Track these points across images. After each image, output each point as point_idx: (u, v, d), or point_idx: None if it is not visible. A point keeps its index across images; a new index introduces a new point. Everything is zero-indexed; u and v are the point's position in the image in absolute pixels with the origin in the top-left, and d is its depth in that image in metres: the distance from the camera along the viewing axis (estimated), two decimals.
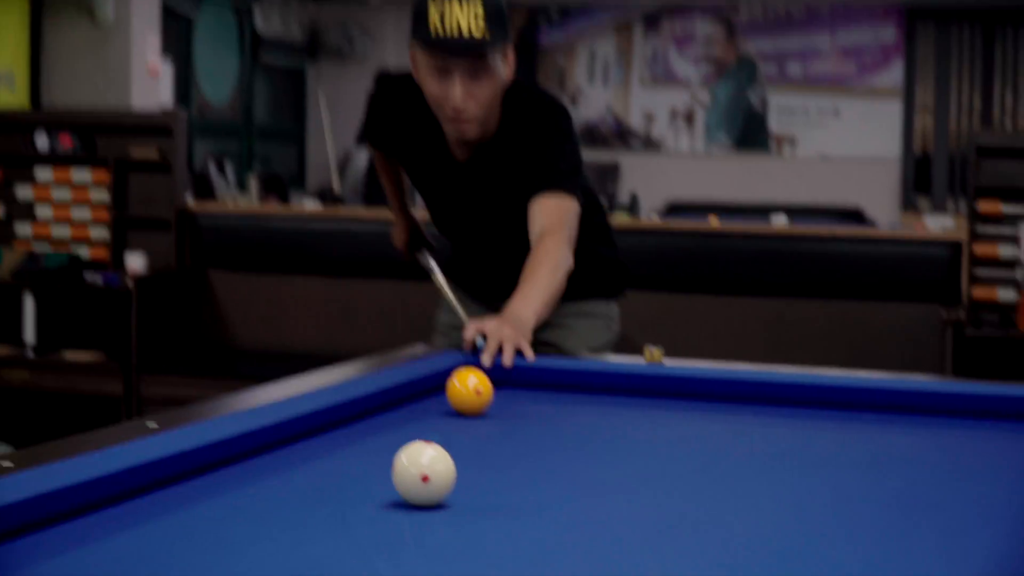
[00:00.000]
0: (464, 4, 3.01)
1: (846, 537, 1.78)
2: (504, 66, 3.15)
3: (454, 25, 3.01)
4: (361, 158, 9.88)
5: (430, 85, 3.13)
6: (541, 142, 3.20)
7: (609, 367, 2.94)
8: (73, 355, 6.70)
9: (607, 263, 3.61)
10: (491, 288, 3.49)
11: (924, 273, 6.11)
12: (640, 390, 2.83)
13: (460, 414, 2.51)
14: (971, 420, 2.63)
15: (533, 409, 2.66)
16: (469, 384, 2.50)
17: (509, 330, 2.81)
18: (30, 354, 6.73)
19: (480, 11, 3.01)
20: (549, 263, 3.02)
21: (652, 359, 2.89)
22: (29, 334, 6.79)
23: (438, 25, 3.01)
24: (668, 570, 1.62)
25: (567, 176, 3.18)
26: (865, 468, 2.23)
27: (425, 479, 1.83)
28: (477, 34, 3.02)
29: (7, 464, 1.78)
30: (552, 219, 3.10)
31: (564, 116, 3.29)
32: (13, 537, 1.64)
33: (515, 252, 3.18)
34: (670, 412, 2.68)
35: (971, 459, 2.34)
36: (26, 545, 1.62)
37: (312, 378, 2.58)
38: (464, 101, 3.09)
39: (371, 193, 9.79)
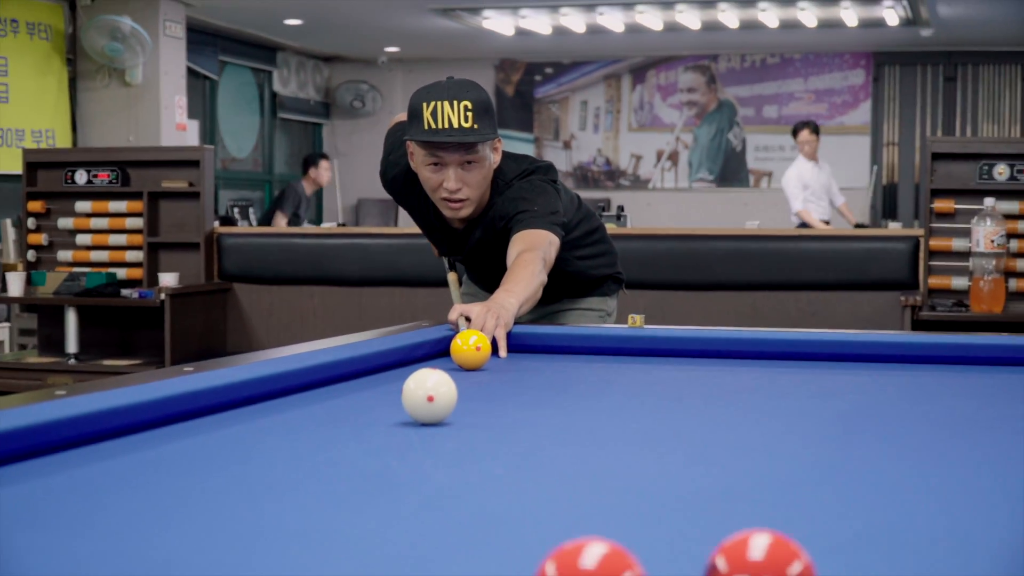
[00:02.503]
0: (454, 102, 3.12)
1: (795, 441, 1.89)
2: (493, 153, 3.27)
3: (446, 122, 3.12)
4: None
5: (426, 174, 3.25)
6: (520, 198, 3.28)
7: (595, 331, 3.04)
8: (112, 363, 6.83)
9: (603, 266, 3.68)
10: (493, 287, 3.59)
11: (887, 265, 6.24)
12: (624, 351, 2.93)
13: (463, 369, 2.61)
14: (913, 364, 2.74)
15: (527, 365, 2.76)
16: (470, 341, 2.61)
17: (492, 321, 2.83)
18: (72, 362, 6.86)
19: (470, 107, 3.13)
20: (528, 269, 3.06)
21: (635, 325, 3.00)
22: (71, 345, 6.93)
23: (431, 122, 3.13)
24: (648, 465, 1.72)
25: (543, 215, 3.24)
26: (821, 398, 2.33)
27: (431, 399, 1.94)
28: (467, 129, 3.13)
29: (60, 392, 1.89)
30: (528, 243, 3.15)
31: (543, 171, 3.39)
32: (70, 448, 1.75)
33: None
34: (650, 366, 2.78)
35: (909, 390, 2.45)
36: (84, 453, 1.74)
37: (329, 340, 2.68)
38: (457, 187, 3.21)
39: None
